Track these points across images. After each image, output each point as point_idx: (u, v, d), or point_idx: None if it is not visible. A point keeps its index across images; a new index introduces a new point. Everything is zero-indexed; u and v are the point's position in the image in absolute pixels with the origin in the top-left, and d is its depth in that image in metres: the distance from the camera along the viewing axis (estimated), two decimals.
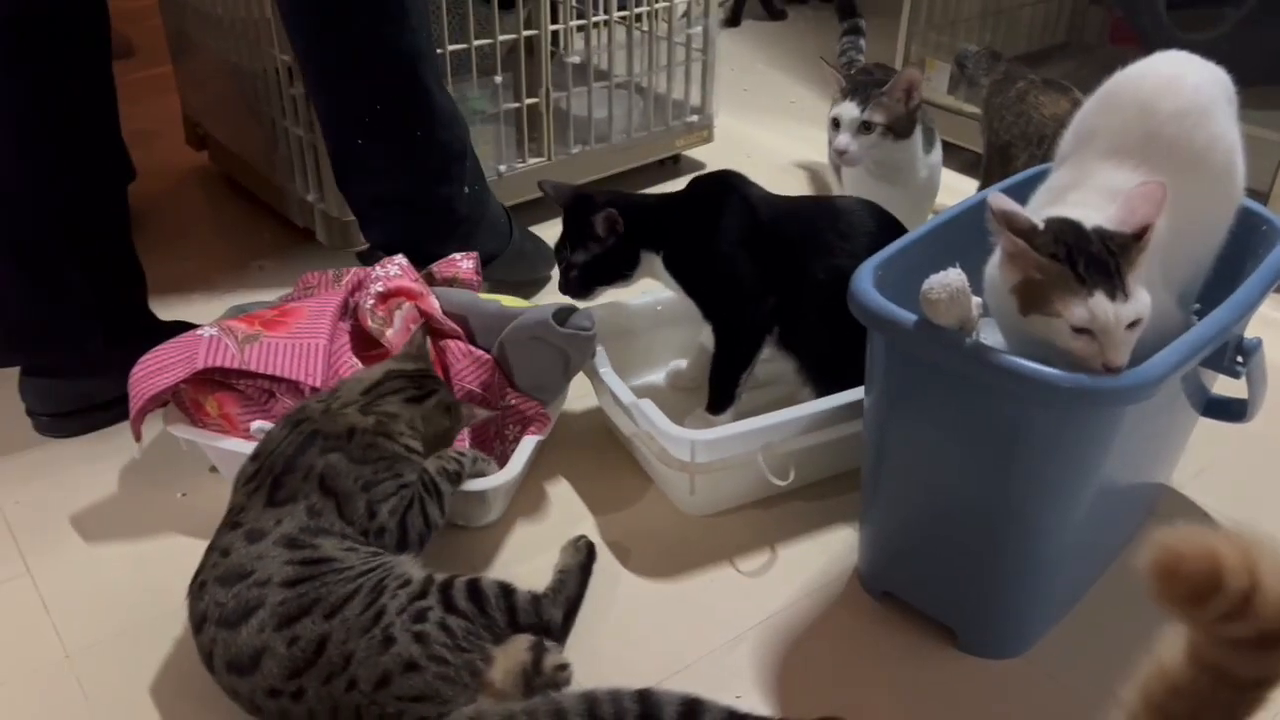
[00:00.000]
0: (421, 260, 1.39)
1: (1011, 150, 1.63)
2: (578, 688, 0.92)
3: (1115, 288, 0.86)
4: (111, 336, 1.33)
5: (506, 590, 0.97)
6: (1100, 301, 0.86)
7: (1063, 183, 1.01)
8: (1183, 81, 1.01)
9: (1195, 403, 1.14)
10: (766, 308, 1.26)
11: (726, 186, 1.30)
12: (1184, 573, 0.50)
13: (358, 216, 1.56)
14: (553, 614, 1.00)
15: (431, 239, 1.45)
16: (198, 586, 0.94)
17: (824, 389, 1.24)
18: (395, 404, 1.07)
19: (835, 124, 1.52)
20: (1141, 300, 0.87)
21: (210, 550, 0.97)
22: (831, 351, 1.25)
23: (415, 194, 1.49)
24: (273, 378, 1.17)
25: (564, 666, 0.94)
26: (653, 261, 1.30)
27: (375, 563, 0.95)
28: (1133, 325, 0.87)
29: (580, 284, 1.31)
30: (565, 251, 1.32)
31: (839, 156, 1.52)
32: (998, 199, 0.90)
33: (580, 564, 1.09)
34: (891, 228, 1.30)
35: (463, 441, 1.23)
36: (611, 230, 1.27)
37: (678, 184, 2.01)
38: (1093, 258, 0.87)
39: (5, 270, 1.26)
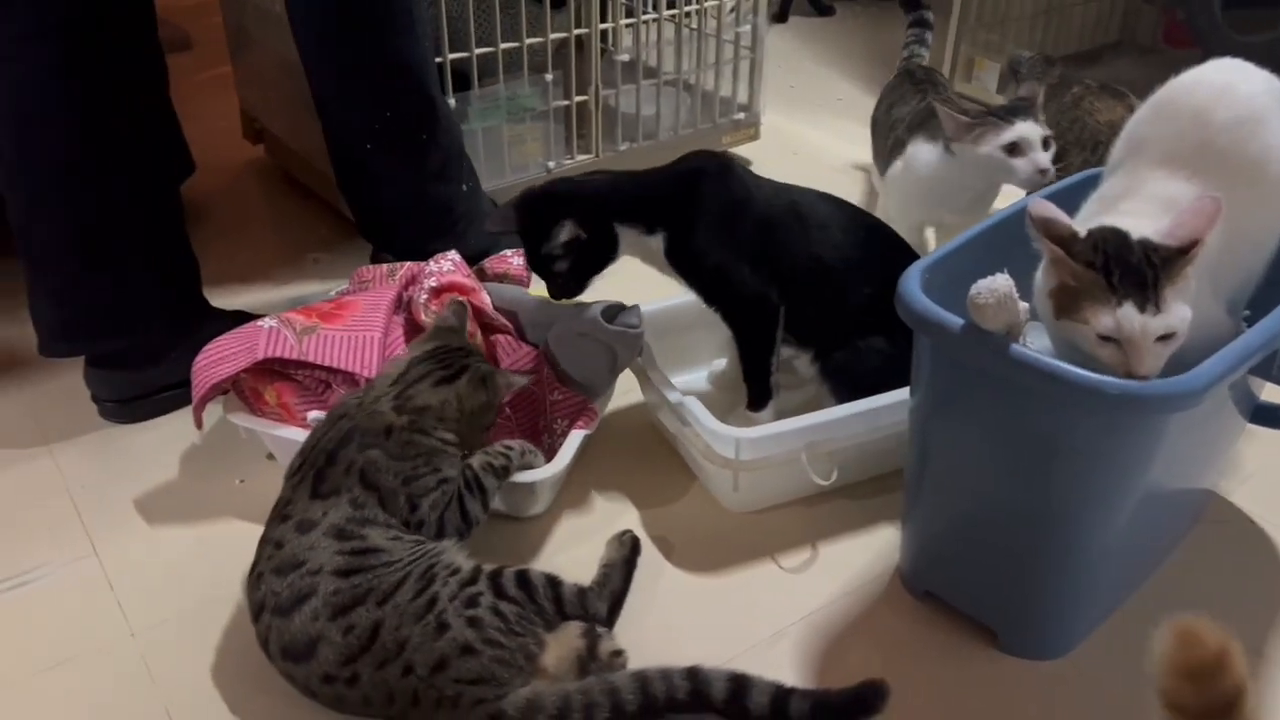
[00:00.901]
0: (417, 259, 1.40)
1: (1066, 155, 1.62)
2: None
3: (1147, 300, 0.87)
4: (170, 325, 1.38)
5: (554, 582, 0.99)
6: (1128, 312, 0.87)
7: (1115, 191, 1.01)
8: (1236, 90, 1.01)
9: (1243, 410, 1.13)
10: (770, 290, 1.25)
11: (710, 166, 1.28)
12: (1201, 644, 0.58)
13: (358, 218, 1.60)
14: (598, 607, 1.02)
15: (430, 237, 1.48)
16: (255, 578, 0.98)
17: (836, 384, 1.26)
18: (425, 390, 1.07)
19: (1014, 149, 1.42)
20: (1177, 314, 0.88)
21: (264, 543, 1.00)
22: (831, 343, 1.27)
23: (417, 196, 1.54)
24: (329, 369, 1.21)
25: (619, 653, 0.97)
26: (640, 241, 1.26)
27: (420, 551, 0.98)
28: (1165, 338, 0.88)
29: (574, 285, 1.28)
30: (542, 260, 1.25)
31: (1042, 176, 1.43)
32: (1038, 205, 0.91)
33: (625, 558, 1.11)
34: (859, 221, 1.33)
35: (511, 435, 1.25)
36: (575, 239, 1.22)
37: None
38: (1130, 268, 0.87)
39: (69, 264, 1.31)
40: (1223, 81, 1.02)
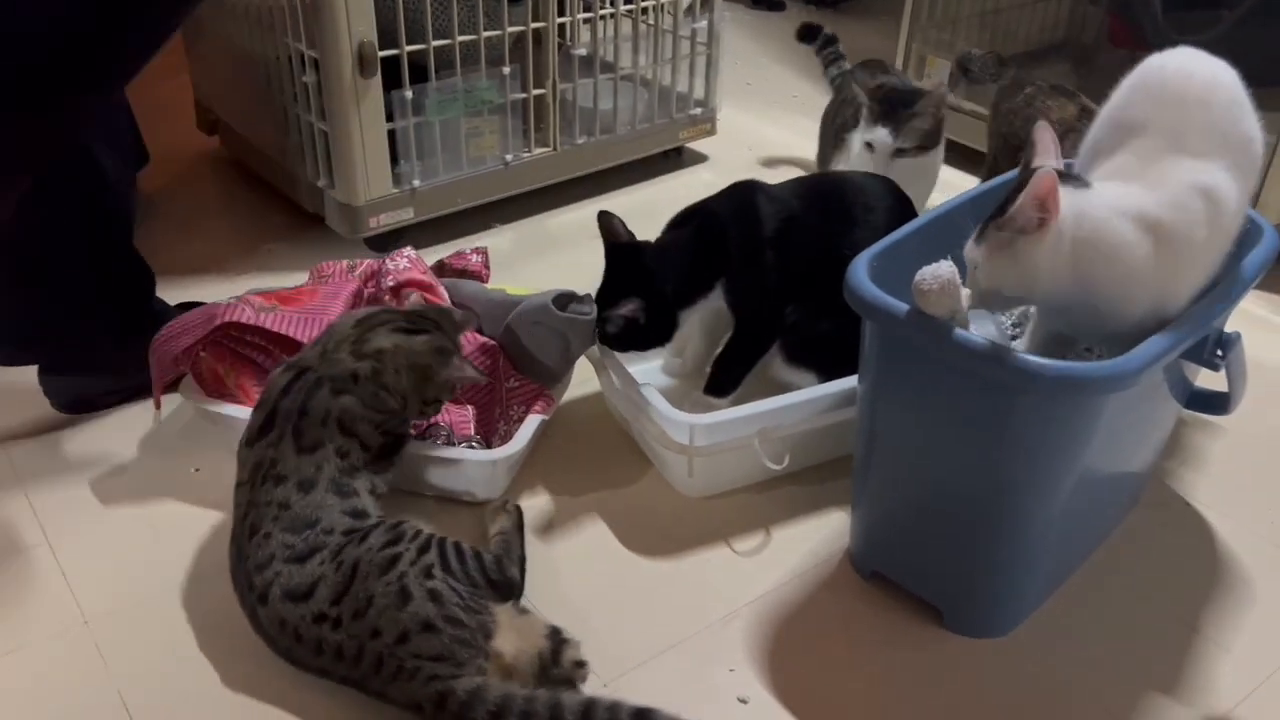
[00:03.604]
0: None
1: (1023, 153, 1.65)
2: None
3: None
4: (119, 334, 1.34)
5: (477, 553, 1.03)
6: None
7: (1129, 172, 1.01)
8: (1222, 76, 1.03)
9: (1178, 395, 1.17)
10: (785, 310, 1.30)
11: (746, 200, 1.31)
12: None
13: None
14: (513, 572, 1.05)
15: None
16: (263, 537, 0.99)
17: (788, 343, 1.31)
18: (384, 336, 1.09)
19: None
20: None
21: (263, 505, 1.01)
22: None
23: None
24: (287, 339, 1.21)
25: (582, 664, 0.98)
26: (706, 306, 1.30)
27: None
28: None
29: (619, 347, 1.29)
30: (601, 318, 1.27)
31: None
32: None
33: (516, 524, 1.13)
34: (901, 199, 1.36)
35: (466, 426, 1.27)
36: (633, 319, 1.24)
37: (679, 176, 2.07)
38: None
39: (10, 274, 1.27)
40: (1210, 67, 1.04)
